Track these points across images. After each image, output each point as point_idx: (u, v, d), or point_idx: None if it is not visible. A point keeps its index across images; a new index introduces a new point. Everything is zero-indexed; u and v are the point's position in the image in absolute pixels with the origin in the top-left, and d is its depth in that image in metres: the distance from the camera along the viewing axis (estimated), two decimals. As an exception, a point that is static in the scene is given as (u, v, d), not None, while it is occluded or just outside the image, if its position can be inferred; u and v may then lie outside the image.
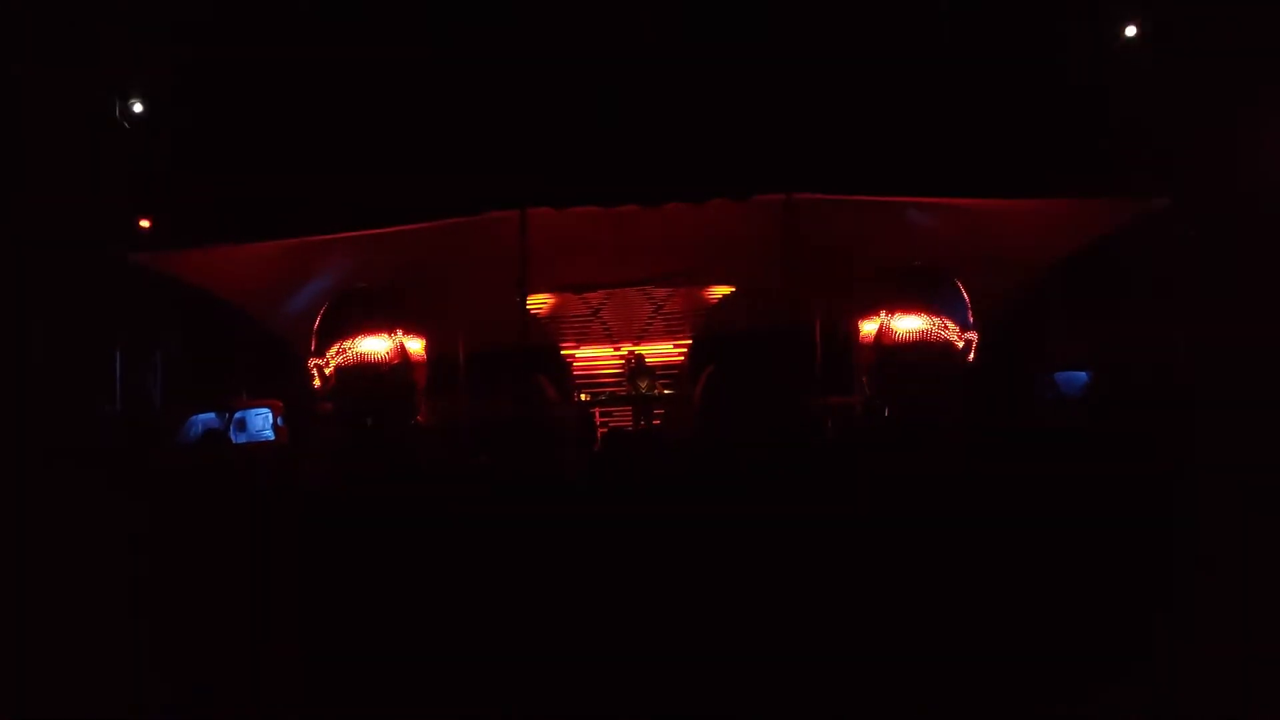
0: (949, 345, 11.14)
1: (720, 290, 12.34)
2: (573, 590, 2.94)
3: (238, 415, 10.95)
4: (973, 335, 11.23)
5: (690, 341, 12.69)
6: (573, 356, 12.69)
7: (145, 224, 11.12)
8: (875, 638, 2.79)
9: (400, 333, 11.35)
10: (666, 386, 12.09)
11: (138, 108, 10.88)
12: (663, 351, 12.64)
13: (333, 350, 11.27)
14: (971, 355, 11.26)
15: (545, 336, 12.43)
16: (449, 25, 10.94)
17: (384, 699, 2.88)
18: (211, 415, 10.83)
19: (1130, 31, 11.01)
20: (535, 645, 2.90)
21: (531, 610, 2.94)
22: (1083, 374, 10.81)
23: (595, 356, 12.73)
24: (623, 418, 12.00)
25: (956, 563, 2.92)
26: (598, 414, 11.98)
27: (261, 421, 11.08)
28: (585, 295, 12.54)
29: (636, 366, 12.08)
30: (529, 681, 2.83)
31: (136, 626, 2.99)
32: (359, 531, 3.30)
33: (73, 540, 3.25)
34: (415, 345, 11.43)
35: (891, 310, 11.26)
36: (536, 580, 2.99)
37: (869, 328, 11.40)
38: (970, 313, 11.34)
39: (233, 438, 10.57)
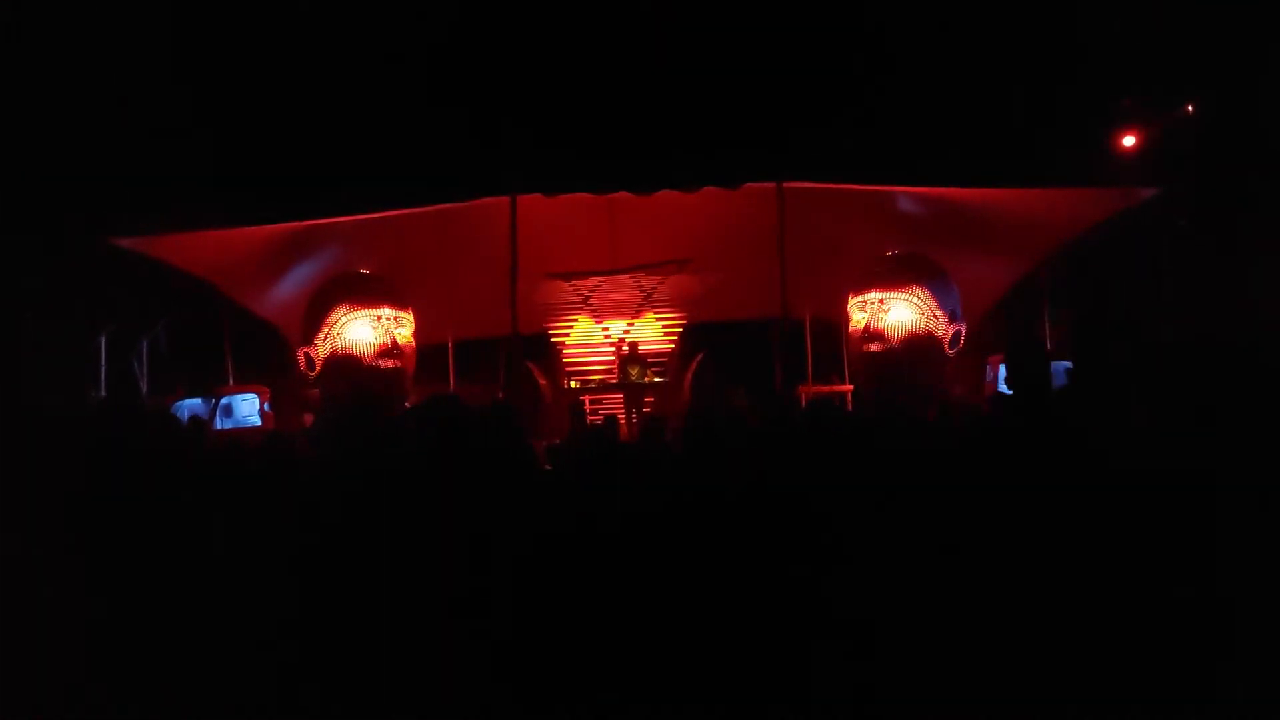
0: (935, 338, 11.15)
1: (711, 278, 12.31)
2: (561, 580, 2.91)
3: (224, 401, 10.91)
4: (961, 325, 11.24)
5: (681, 329, 12.67)
6: (563, 343, 12.66)
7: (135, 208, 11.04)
8: (869, 632, 2.77)
9: (389, 318, 11.29)
10: (657, 374, 12.08)
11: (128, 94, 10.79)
12: (653, 339, 12.62)
13: (321, 336, 11.21)
14: (960, 345, 11.28)
15: (535, 323, 12.39)
16: (441, 11, 10.88)
17: (378, 697, 2.85)
18: (198, 401, 10.79)
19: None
20: (528, 636, 2.87)
21: (521, 600, 2.90)
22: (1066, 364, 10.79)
23: (586, 344, 12.71)
24: (613, 405, 11.99)
25: (947, 554, 2.90)
26: (588, 401, 11.95)
27: (248, 407, 11.05)
28: (576, 282, 12.51)
29: (628, 354, 12.06)
30: (524, 674, 2.81)
31: (121, 621, 2.95)
32: (345, 518, 3.26)
33: (60, 530, 3.20)
34: (404, 331, 11.38)
35: (881, 299, 11.26)
36: (526, 570, 2.96)
37: (859, 316, 11.40)
38: (959, 303, 11.35)
39: (218, 423, 10.54)
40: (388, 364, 11.14)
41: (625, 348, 12.22)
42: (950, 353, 11.23)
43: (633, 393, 11.80)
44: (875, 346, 11.17)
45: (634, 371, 11.89)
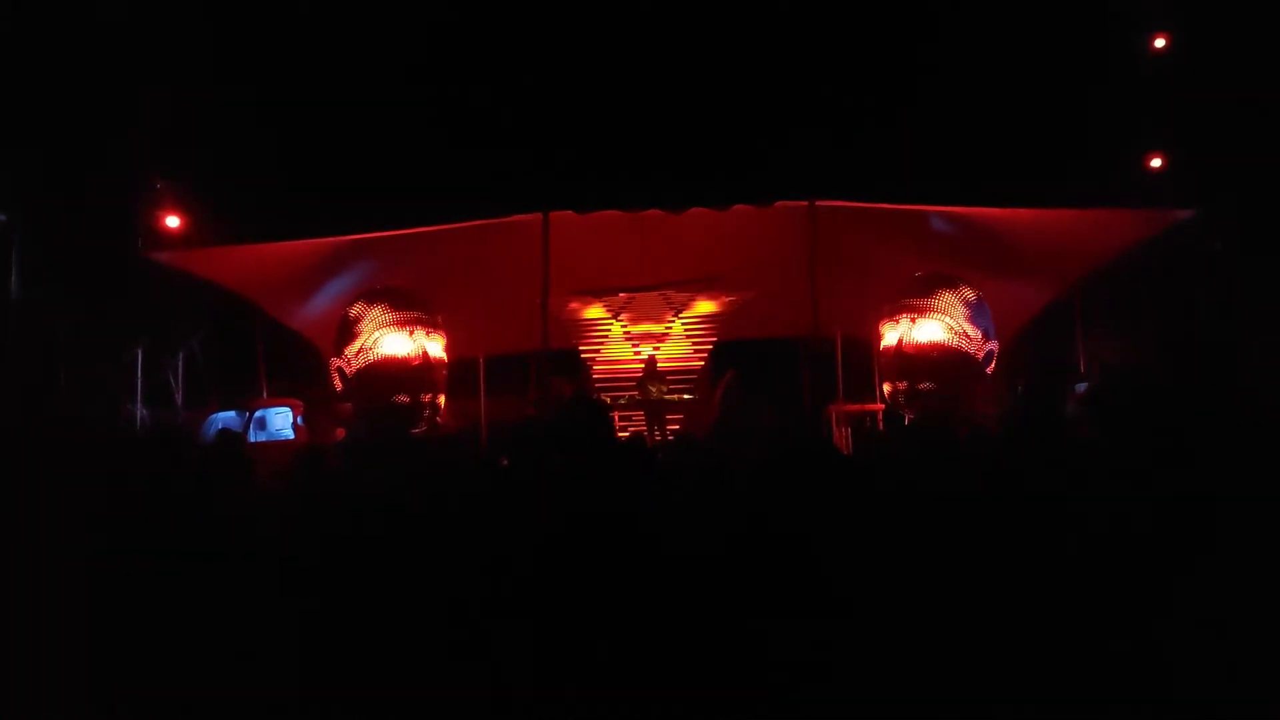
0: (969, 355, 11.08)
1: (742, 295, 12.31)
2: (586, 594, 2.92)
3: (258, 414, 11.01)
4: (993, 345, 11.17)
5: (711, 346, 12.67)
6: (593, 359, 12.69)
7: (174, 223, 11.20)
8: (884, 650, 2.76)
9: (421, 333, 11.35)
10: (684, 391, 12.07)
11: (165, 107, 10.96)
12: (682, 356, 12.62)
13: (354, 350, 11.29)
14: (992, 366, 11.21)
15: (565, 339, 12.43)
16: (475, 28, 10.99)
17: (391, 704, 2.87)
18: (232, 414, 10.90)
19: (1159, 43, 10.95)
20: (547, 647, 2.88)
21: (547, 613, 2.92)
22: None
23: (615, 359, 12.73)
24: (640, 422, 12.01)
25: (972, 577, 2.89)
26: (616, 418, 11.97)
27: (281, 420, 11.14)
28: (606, 298, 12.54)
29: (648, 372, 12.06)
30: (540, 683, 2.82)
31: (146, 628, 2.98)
32: (377, 533, 3.29)
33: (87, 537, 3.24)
34: (436, 346, 11.45)
35: (913, 318, 11.22)
36: (553, 582, 2.97)
37: (890, 335, 11.36)
38: (992, 323, 11.29)
39: (252, 436, 10.63)
40: (420, 378, 11.22)
41: (648, 364, 12.23)
42: (983, 373, 11.17)
43: (654, 409, 11.80)
44: (906, 366, 11.13)
45: (655, 389, 11.89)
